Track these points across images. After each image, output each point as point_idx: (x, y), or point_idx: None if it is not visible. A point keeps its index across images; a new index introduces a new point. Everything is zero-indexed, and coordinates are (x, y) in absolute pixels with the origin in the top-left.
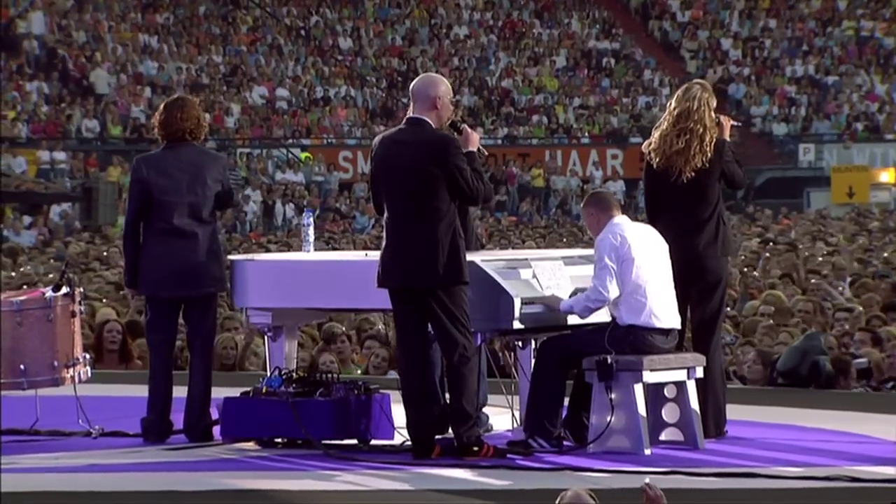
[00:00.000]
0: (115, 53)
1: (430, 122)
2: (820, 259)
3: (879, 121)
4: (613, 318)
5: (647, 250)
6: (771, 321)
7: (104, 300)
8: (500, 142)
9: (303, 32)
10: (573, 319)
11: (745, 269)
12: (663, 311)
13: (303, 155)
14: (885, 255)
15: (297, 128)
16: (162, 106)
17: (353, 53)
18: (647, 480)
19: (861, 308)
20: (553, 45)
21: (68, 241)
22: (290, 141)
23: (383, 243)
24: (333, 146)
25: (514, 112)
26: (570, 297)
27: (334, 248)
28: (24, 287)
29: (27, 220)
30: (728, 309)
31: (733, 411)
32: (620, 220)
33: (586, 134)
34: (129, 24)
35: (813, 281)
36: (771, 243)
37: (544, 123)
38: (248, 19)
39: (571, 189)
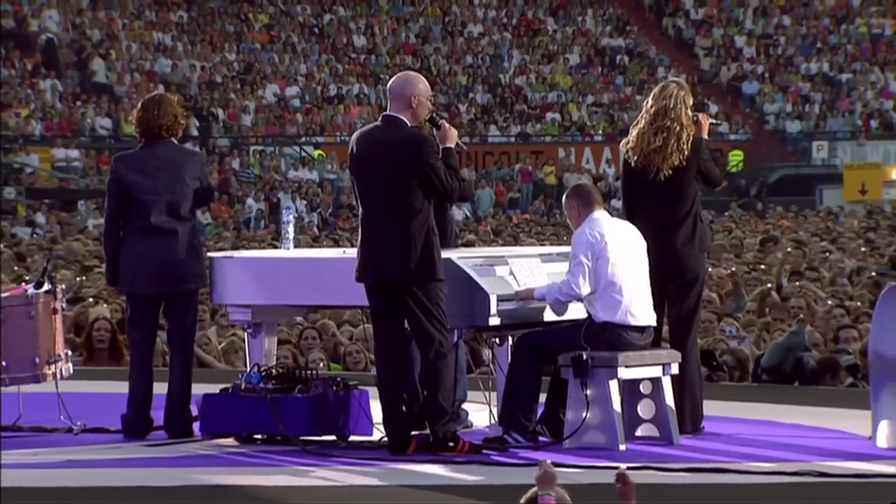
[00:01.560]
0: (129, 51)
1: (405, 120)
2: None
3: (893, 118)
4: (589, 315)
5: (624, 248)
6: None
7: (100, 301)
8: (513, 139)
9: (316, 30)
10: (549, 316)
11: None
12: (639, 308)
13: (315, 152)
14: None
15: (311, 125)
16: (140, 104)
17: (366, 51)
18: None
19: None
20: (567, 43)
21: (77, 238)
22: (304, 139)
23: (359, 238)
24: (346, 144)
25: (528, 109)
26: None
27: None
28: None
29: (41, 217)
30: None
31: (712, 407)
32: (600, 215)
33: (599, 131)
34: (143, 22)
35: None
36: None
37: (557, 121)
38: (263, 17)
39: None
